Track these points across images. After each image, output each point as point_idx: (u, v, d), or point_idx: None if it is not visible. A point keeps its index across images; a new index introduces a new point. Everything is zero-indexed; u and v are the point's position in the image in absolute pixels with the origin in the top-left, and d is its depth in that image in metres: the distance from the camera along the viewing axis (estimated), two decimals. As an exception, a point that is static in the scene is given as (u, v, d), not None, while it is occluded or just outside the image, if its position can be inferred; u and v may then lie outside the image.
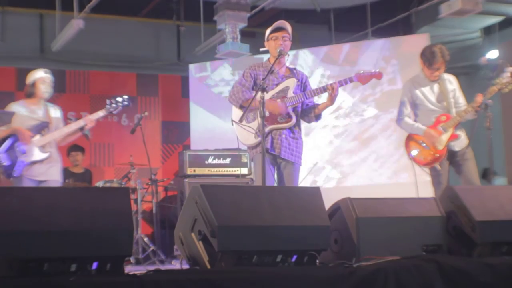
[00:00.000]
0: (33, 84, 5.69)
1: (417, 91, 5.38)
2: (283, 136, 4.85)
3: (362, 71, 4.93)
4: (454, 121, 5.24)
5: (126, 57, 9.73)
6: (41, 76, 5.71)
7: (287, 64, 5.09)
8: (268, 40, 4.97)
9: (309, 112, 4.99)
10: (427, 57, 5.26)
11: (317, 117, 5.01)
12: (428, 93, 5.36)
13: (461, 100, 5.40)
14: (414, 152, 5.39)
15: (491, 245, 3.77)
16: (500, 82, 5.10)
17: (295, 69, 5.09)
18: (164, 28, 10.03)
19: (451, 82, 5.43)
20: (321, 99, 5.16)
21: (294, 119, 4.86)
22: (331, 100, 4.80)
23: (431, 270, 3.33)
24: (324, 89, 4.83)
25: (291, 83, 4.92)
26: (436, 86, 5.37)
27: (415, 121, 5.44)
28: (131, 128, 7.13)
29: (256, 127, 4.79)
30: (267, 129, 4.74)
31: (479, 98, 5.08)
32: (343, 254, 3.62)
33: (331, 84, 4.76)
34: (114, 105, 5.85)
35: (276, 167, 4.91)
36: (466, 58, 9.89)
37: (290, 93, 4.87)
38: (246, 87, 4.91)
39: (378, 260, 3.39)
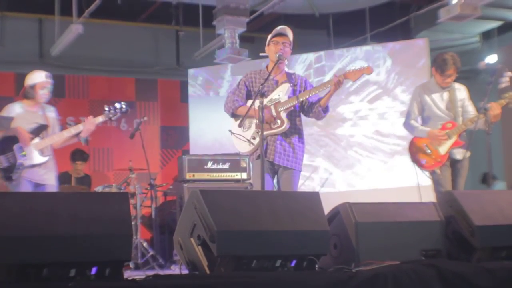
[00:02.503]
0: (33, 87, 5.64)
1: (427, 97, 5.46)
2: (278, 142, 4.83)
3: (352, 69, 4.88)
4: (459, 129, 5.32)
5: (125, 62, 9.73)
6: (41, 81, 5.63)
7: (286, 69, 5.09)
8: (268, 45, 4.96)
9: (315, 108, 4.93)
10: (439, 64, 5.35)
11: (325, 110, 4.91)
12: (437, 100, 5.44)
13: (470, 108, 5.47)
14: (417, 156, 5.46)
15: (490, 249, 3.78)
16: (509, 96, 5.18)
17: (293, 73, 5.08)
18: (163, 33, 10.04)
19: (461, 92, 5.50)
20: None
21: (286, 124, 4.83)
22: (335, 89, 4.74)
23: (430, 275, 3.33)
24: (317, 88, 4.80)
25: (283, 88, 4.90)
26: (446, 94, 5.45)
27: (421, 125, 5.52)
28: (130, 133, 7.12)
29: (250, 136, 4.85)
30: None
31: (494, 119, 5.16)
32: (342, 259, 3.62)
33: (337, 77, 4.71)
34: (112, 111, 5.77)
35: (275, 174, 4.90)
36: (465, 62, 9.79)
37: (284, 98, 4.86)
38: (238, 96, 4.96)
39: (377, 264, 3.39)
